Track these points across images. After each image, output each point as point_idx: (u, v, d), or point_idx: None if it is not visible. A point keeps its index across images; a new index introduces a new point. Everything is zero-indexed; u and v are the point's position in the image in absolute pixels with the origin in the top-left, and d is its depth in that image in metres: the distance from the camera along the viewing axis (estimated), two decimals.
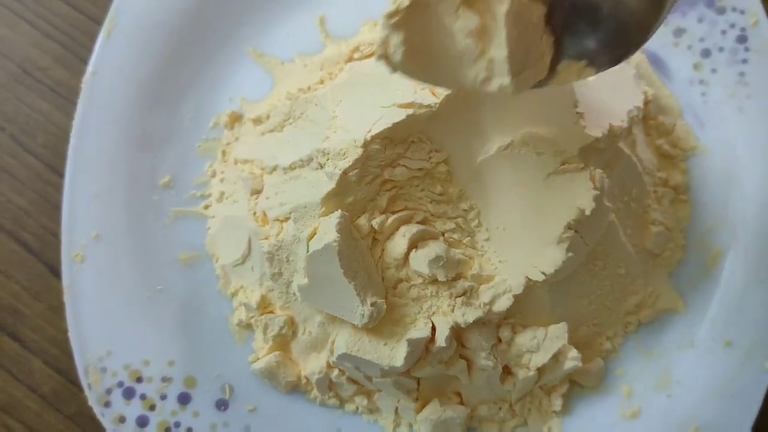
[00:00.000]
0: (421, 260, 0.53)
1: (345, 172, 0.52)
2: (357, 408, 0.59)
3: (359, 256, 0.52)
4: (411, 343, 0.52)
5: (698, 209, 0.61)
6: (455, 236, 0.55)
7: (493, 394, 0.57)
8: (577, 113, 0.52)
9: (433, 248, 0.53)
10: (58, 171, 0.66)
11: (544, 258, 0.53)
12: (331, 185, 0.52)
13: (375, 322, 0.52)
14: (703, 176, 0.61)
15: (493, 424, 0.58)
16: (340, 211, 0.52)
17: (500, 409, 0.57)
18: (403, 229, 0.54)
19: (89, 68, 0.62)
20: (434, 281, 0.53)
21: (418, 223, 0.55)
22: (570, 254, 0.52)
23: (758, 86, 0.60)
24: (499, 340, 0.55)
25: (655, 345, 0.58)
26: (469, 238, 0.55)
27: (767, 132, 0.60)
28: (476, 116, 0.53)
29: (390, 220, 0.54)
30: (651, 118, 0.61)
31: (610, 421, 0.57)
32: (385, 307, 0.52)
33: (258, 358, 0.59)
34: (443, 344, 0.52)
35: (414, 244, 0.54)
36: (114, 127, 0.62)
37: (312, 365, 0.58)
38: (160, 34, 0.64)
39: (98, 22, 0.66)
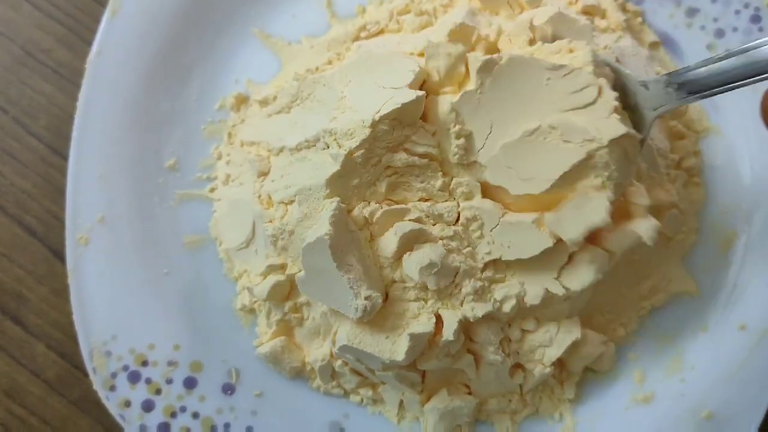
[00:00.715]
0: (413, 265, 0.51)
1: (350, 153, 0.51)
2: (362, 399, 0.58)
3: (355, 248, 0.51)
4: (413, 337, 0.51)
5: (711, 192, 0.60)
6: (453, 244, 0.52)
7: (502, 387, 0.56)
8: (614, 105, 0.50)
9: (428, 253, 0.51)
10: (61, 153, 0.65)
11: (571, 274, 0.51)
12: (335, 167, 0.51)
13: (370, 316, 0.51)
14: (717, 158, 0.60)
15: (504, 416, 0.57)
16: (336, 201, 0.51)
17: (510, 401, 0.57)
18: (397, 225, 0.52)
19: (94, 48, 0.61)
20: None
21: (413, 221, 0.52)
22: (599, 275, 0.51)
23: None
24: (509, 339, 0.54)
25: (668, 329, 0.58)
26: (470, 248, 0.53)
27: None
28: (502, 98, 0.52)
29: (379, 213, 0.52)
30: None
31: (623, 405, 0.56)
32: (381, 301, 0.51)
33: (262, 343, 0.58)
34: (451, 338, 0.51)
35: (408, 244, 0.52)
36: (119, 107, 0.61)
37: (315, 352, 0.57)
38: (165, 15, 0.63)
39: (101, 3, 0.65)
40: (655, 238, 0.52)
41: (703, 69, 0.47)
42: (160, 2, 0.63)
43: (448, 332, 0.51)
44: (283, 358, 0.57)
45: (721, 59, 0.46)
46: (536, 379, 0.55)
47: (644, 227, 0.52)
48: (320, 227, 0.50)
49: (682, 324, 0.57)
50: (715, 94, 0.48)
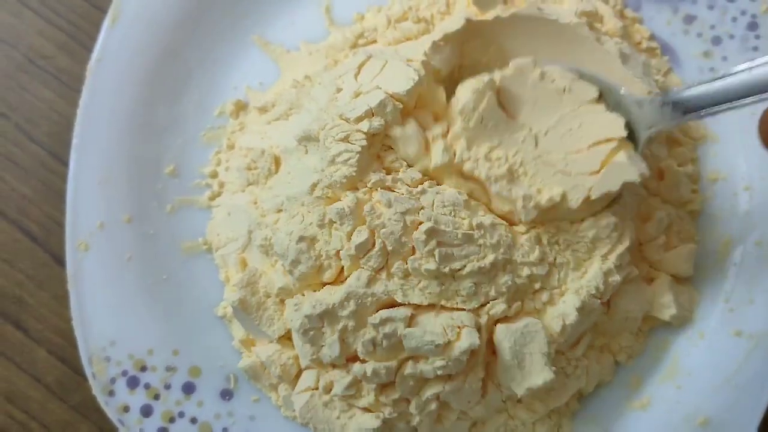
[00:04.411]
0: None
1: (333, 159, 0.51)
2: None
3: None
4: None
5: (708, 198, 0.60)
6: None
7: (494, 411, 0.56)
8: None
9: None
10: (62, 159, 0.66)
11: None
12: (317, 176, 0.52)
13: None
14: (714, 165, 0.60)
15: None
16: (242, 275, 0.55)
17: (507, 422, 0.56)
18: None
19: (94, 55, 0.62)
20: None
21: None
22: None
23: None
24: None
25: (664, 335, 0.58)
26: None
27: None
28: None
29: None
30: None
31: (619, 411, 0.56)
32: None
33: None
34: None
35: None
36: (118, 114, 0.61)
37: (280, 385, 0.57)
38: (164, 22, 0.63)
39: (102, 10, 0.65)
40: (674, 318, 0.56)
41: (699, 89, 0.47)
42: (159, 10, 0.63)
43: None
44: (261, 375, 0.57)
45: (716, 79, 0.46)
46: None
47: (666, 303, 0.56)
48: (232, 294, 0.55)
49: (678, 330, 0.57)
50: (710, 114, 0.48)
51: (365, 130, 0.51)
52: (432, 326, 0.49)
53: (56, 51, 0.69)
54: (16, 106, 0.68)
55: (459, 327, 0.49)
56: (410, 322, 0.50)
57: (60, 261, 0.63)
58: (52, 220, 0.65)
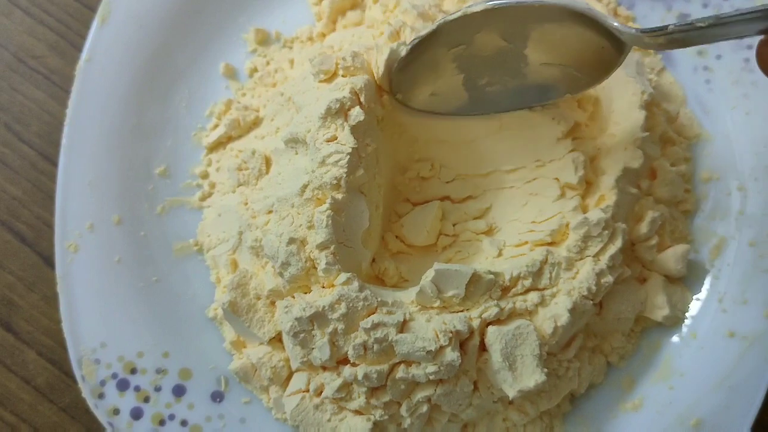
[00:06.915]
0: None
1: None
2: None
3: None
4: None
5: (702, 198, 0.59)
6: None
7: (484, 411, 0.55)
8: None
9: None
10: (52, 160, 0.65)
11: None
12: (306, 178, 0.52)
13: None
14: (707, 165, 0.60)
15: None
16: (233, 276, 0.54)
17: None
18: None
19: (83, 55, 0.61)
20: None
21: None
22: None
23: None
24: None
25: (656, 336, 0.57)
26: None
27: None
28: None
29: None
30: (655, 104, 0.60)
31: (611, 413, 0.56)
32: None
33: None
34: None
35: None
36: (108, 114, 0.61)
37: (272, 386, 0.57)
38: (154, 21, 0.63)
39: (93, 10, 0.64)
40: (667, 319, 0.56)
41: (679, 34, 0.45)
42: (149, 9, 0.63)
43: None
44: (252, 377, 0.56)
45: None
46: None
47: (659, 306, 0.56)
48: (222, 297, 0.54)
49: (671, 331, 0.57)
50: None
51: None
52: (424, 332, 0.49)
53: (47, 51, 0.68)
54: (5, 106, 0.67)
55: (452, 332, 0.49)
56: (402, 327, 0.49)
57: (50, 262, 0.63)
58: (42, 221, 0.65)
